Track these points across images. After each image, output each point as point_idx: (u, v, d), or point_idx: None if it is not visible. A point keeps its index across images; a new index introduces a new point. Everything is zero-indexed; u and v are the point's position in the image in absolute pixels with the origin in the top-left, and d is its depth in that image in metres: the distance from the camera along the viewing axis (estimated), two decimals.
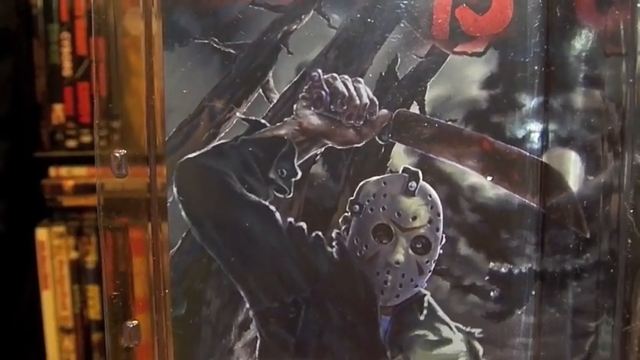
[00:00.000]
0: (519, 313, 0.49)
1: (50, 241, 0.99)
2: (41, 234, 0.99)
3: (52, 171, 1.02)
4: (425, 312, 0.50)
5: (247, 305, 0.50)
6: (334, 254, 0.49)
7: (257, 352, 0.50)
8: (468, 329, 0.50)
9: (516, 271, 0.49)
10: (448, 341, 0.50)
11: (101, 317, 0.98)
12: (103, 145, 0.48)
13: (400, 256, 0.49)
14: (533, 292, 0.49)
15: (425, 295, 0.49)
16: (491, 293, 0.49)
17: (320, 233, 0.49)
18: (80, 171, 1.01)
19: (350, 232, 0.49)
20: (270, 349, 0.50)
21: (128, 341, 0.49)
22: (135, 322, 0.49)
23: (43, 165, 1.02)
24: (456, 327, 0.50)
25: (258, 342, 0.50)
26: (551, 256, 0.49)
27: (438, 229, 0.49)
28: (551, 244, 0.49)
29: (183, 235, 0.49)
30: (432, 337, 0.50)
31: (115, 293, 0.49)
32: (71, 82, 1.02)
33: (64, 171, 1.02)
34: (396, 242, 0.49)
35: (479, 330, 0.50)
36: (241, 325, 0.50)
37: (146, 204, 0.49)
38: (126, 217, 0.50)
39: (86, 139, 1.02)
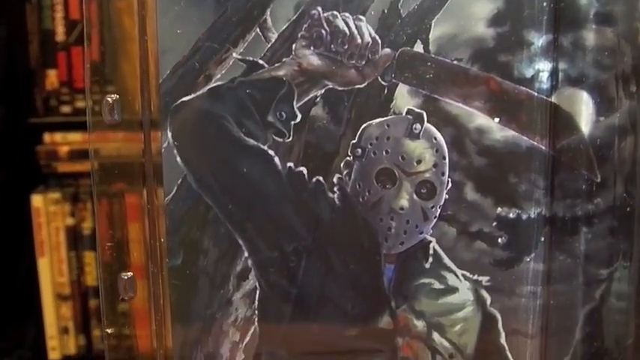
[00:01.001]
0: (528, 260, 0.48)
1: (46, 208, 0.98)
2: (37, 200, 0.98)
3: (47, 137, 1.01)
4: (430, 259, 0.48)
5: (246, 254, 0.48)
6: (336, 200, 0.47)
7: (256, 303, 0.48)
8: (475, 277, 0.48)
9: (525, 216, 0.47)
10: (454, 290, 0.48)
11: (98, 283, 0.97)
12: (97, 110, 0.46)
13: (404, 202, 0.47)
14: (543, 239, 0.48)
15: (430, 242, 0.48)
16: (499, 240, 0.48)
17: (321, 178, 0.47)
18: (75, 136, 1.00)
19: (352, 177, 0.47)
20: (269, 299, 0.48)
21: (123, 293, 0.48)
22: (130, 273, 0.48)
23: (38, 131, 1.01)
24: (463, 275, 0.48)
25: (258, 292, 0.48)
26: (561, 201, 0.47)
27: (443, 174, 0.47)
28: (561, 188, 0.47)
29: (179, 182, 0.47)
30: (437, 285, 0.48)
31: (110, 243, 0.48)
32: (65, 47, 1.01)
33: (58, 137, 1.01)
34: (400, 187, 0.47)
35: (486, 278, 0.48)
36: (240, 274, 0.48)
37: (140, 167, 0.48)
38: (121, 182, 0.48)
39: (80, 104, 1.01)
